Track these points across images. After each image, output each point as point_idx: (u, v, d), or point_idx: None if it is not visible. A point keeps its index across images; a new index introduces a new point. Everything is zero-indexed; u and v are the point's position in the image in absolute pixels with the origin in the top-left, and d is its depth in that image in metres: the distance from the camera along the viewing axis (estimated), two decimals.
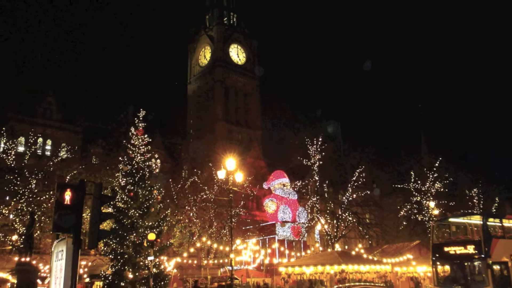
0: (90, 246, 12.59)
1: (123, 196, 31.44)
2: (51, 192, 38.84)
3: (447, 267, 27.57)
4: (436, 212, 50.69)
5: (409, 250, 39.23)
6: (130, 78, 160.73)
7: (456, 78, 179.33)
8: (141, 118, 34.06)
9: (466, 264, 26.46)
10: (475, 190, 58.26)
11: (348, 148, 59.57)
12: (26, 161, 41.14)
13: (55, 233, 13.55)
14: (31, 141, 44.45)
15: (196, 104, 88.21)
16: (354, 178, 48.89)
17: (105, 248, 31.22)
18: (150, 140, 35.37)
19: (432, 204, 52.32)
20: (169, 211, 38.35)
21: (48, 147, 56.03)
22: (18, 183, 39.02)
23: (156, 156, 49.90)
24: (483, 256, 25.30)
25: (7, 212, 39.37)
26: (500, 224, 28.54)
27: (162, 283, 31.23)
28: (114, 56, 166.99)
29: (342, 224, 50.00)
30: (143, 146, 33.22)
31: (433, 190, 53.83)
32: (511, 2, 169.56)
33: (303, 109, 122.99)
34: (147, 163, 33.48)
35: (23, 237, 35.84)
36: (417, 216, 53.87)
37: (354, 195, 49.56)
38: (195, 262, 45.53)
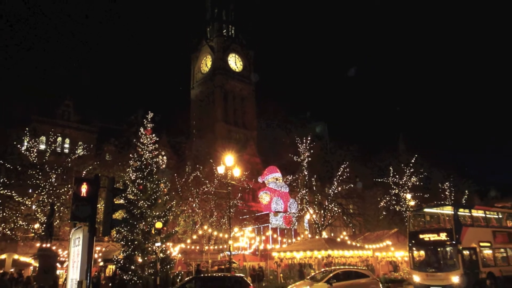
0: (104, 234, 12.53)
1: (133, 189, 31.47)
2: (69, 186, 38.86)
3: (422, 252, 27.62)
4: (412, 203, 50.68)
5: (388, 237, 39.25)
6: (139, 84, 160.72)
7: (431, 84, 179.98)
8: (149, 120, 34.05)
9: (439, 249, 26.51)
10: (447, 183, 58.31)
11: (334, 147, 59.56)
12: (46, 158, 41.09)
13: (73, 222, 13.57)
14: (51, 140, 44.36)
15: (198, 107, 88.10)
16: (339, 173, 48.92)
17: (117, 235, 31.22)
18: (157, 139, 35.36)
19: (408, 196, 52.31)
20: (174, 202, 38.25)
21: (66, 145, 55.86)
22: (40, 177, 39.03)
23: (163, 153, 49.74)
24: (454, 242, 25.37)
25: (30, 203, 39.33)
26: (469, 214, 28.64)
27: (168, 266, 31.30)
28: (125, 64, 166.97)
29: (329, 214, 50.01)
30: (151, 145, 33.25)
31: (409, 184, 53.87)
32: (483, 15, 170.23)
33: (294, 112, 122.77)
34: (155, 160, 33.49)
35: (44, 225, 35.81)
36: (395, 207, 53.93)
37: (339, 188, 49.57)
38: (198, 247, 45.38)
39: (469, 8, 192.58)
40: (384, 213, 55.93)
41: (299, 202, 50.20)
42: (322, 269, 28.64)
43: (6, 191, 38.07)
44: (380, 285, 25.84)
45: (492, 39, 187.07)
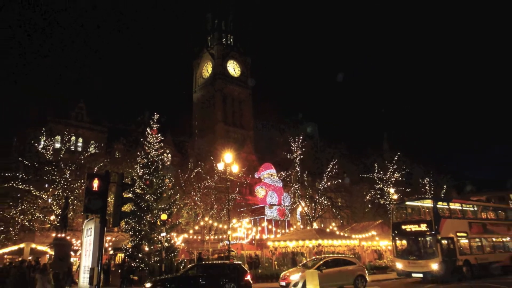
0: (113, 225, 12.52)
1: (141, 184, 31.43)
2: (82, 181, 38.82)
3: (404, 242, 27.56)
4: (395, 197, 50.65)
5: (374, 228, 39.26)
6: (146, 88, 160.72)
7: (412, 88, 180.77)
8: (155, 121, 34.00)
9: (419, 239, 26.48)
10: (427, 179, 58.28)
11: (323, 145, 59.33)
12: (61, 156, 41.10)
13: (85, 214, 13.50)
14: (66, 139, 44.29)
15: (200, 109, 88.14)
16: (328, 169, 48.74)
17: (126, 226, 31.19)
18: (163, 138, 35.32)
19: (392, 190, 52.31)
20: (178, 196, 38.27)
21: (79, 144, 55.93)
22: (55, 173, 39.00)
23: (168, 151, 49.71)
24: (433, 232, 25.36)
25: (46, 197, 39.36)
26: (448, 207, 28.62)
27: (172, 254, 31.31)
28: (133, 70, 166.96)
29: (319, 207, 49.87)
30: (157, 143, 33.21)
31: (393, 179, 53.78)
32: (465, 22, 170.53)
33: (287, 113, 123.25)
34: (160, 157, 33.46)
35: (59, 217, 35.71)
36: (380, 200, 53.88)
37: (329, 183, 49.41)
38: (199, 237, 45.32)
39: (446, 14, 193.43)
40: (369, 206, 55.86)
41: (292, 196, 50.12)
42: (313, 257, 28.60)
43: (24, 186, 38.20)
44: (366, 271, 25.82)
45: (469, 45, 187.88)
